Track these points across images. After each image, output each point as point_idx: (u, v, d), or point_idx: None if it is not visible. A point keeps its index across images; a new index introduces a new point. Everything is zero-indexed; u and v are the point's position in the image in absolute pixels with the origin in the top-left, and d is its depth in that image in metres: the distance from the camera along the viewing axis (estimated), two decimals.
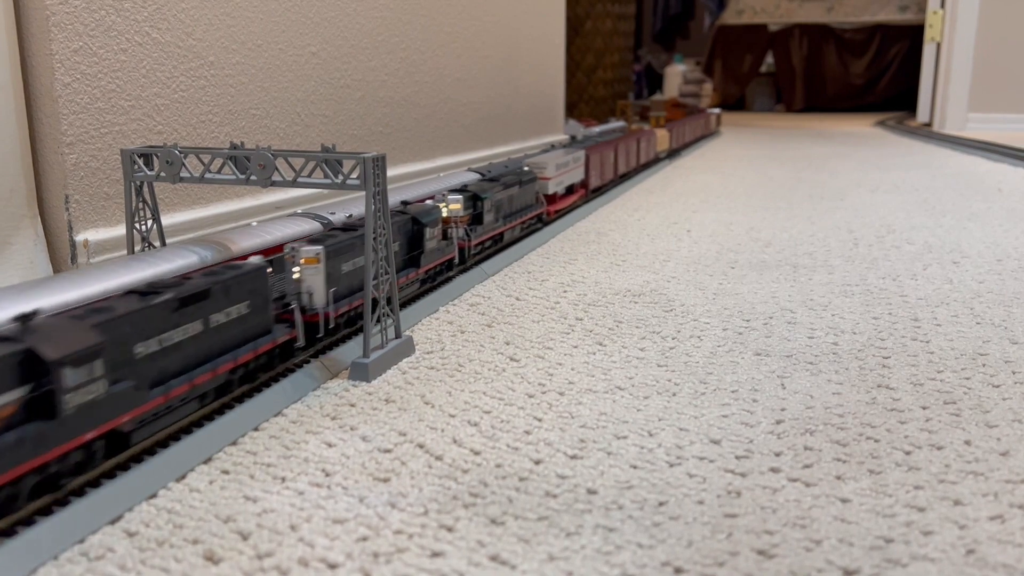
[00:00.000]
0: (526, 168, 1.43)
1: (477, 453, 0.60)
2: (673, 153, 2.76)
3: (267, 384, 0.70)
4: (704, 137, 3.61)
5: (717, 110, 4.33)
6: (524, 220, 1.32)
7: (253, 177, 0.74)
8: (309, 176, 0.74)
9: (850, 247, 1.34)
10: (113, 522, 0.51)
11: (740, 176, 2.32)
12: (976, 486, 0.55)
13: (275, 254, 0.80)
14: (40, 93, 0.91)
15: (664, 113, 3.88)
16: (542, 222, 1.44)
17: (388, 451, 0.60)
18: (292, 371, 0.73)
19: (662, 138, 2.56)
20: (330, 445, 0.61)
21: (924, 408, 0.68)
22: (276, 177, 0.74)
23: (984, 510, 0.52)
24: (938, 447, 0.61)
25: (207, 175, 0.75)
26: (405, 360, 0.80)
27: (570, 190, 1.63)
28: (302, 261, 0.76)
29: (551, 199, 1.49)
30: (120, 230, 0.98)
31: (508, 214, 1.26)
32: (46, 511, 0.49)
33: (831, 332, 0.89)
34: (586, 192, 1.73)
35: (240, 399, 0.66)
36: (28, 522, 0.48)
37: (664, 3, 8.01)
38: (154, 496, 0.54)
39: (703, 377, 0.76)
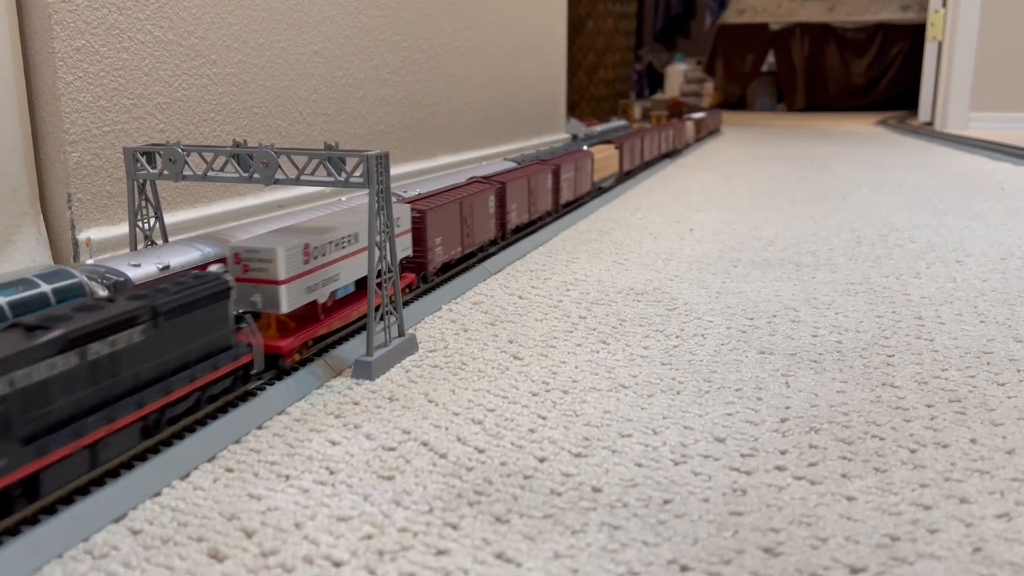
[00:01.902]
0: (214, 268, 0.74)
1: (481, 451, 0.60)
2: (625, 177, 2.07)
3: (270, 382, 0.70)
4: (676, 152, 2.82)
5: (700, 114, 3.61)
6: (161, 404, 0.58)
7: (256, 175, 0.74)
8: (312, 174, 0.74)
9: (853, 246, 1.33)
10: (117, 520, 0.51)
11: (742, 175, 2.32)
12: (982, 484, 0.55)
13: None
14: (42, 91, 0.91)
15: (666, 112, 3.88)
16: (246, 379, 0.68)
17: (392, 449, 0.60)
18: (295, 369, 0.73)
19: (604, 161, 1.84)
20: (334, 443, 0.61)
21: (929, 406, 0.68)
22: (279, 175, 0.73)
23: (990, 508, 0.52)
24: (943, 445, 0.61)
25: (210, 173, 0.75)
26: (408, 358, 0.80)
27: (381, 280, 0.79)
28: None
29: (304, 320, 0.76)
30: (123, 228, 0.98)
31: (83, 410, 0.52)
32: (50, 510, 0.49)
33: (835, 330, 0.88)
34: (419, 280, 0.98)
35: (243, 397, 0.66)
36: (32, 520, 0.48)
37: (665, 2, 8.01)
38: (158, 494, 0.54)
39: (707, 375, 0.76)
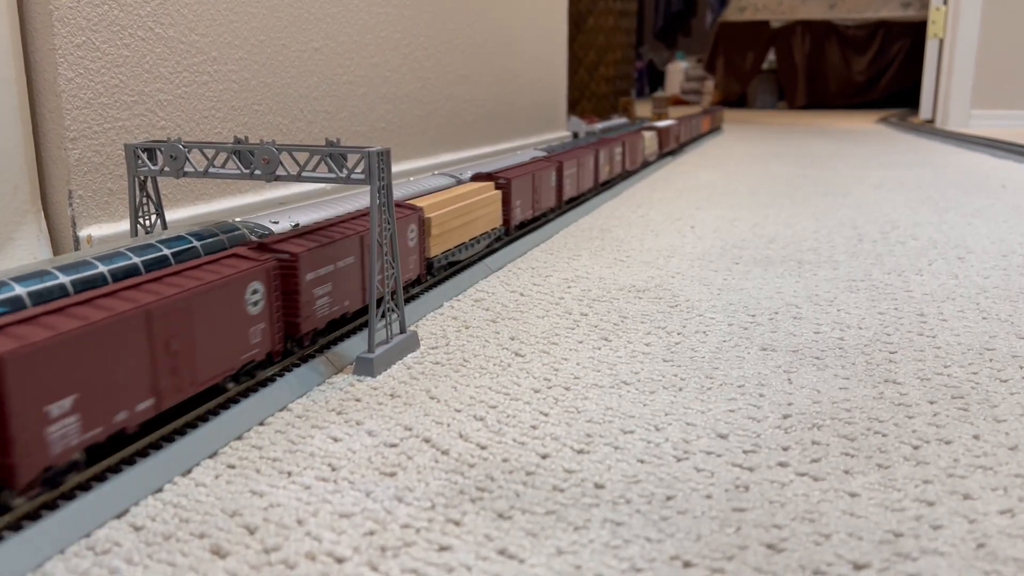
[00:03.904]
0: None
1: (483, 448, 0.60)
2: (518, 230, 1.30)
3: (271, 379, 0.70)
4: (627, 176, 2.05)
5: (668, 121, 2.76)
6: None
7: (257, 172, 0.73)
8: (313, 171, 0.74)
9: (854, 243, 1.33)
10: (119, 516, 0.51)
11: (743, 173, 2.32)
12: (985, 480, 0.55)
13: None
14: (43, 88, 0.91)
15: (667, 109, 3.87)
16: None
17: (394, 446, 0.60)
18: (297, 365, 0.73)
19: (466, 215, 1.07)
20: (336, 440, 0.61)
21: (932, 403, 0.68)
22: (280, 172, 0.73)
23: (994, 504, 0.52)
24: (946, 441, 0.61)
25: (211, 170, 0.75)
26: (410, 355, 0.80)
27: None
28: None
29: None
30: (124, 225, 0.98)
31: None
32: (52, 505, 0.49)
33: (837, 327, 0.88)
34: None
35: (245, 393, 0.66)
36: (34, 516, 0.48)
37: (666, 0, 8.01)
38: (160, 491, 0.54)
39: (709, 372, 0.75)
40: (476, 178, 1.23)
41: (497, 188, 1.22)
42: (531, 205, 1.34)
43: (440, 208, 1.01)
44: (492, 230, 1.17)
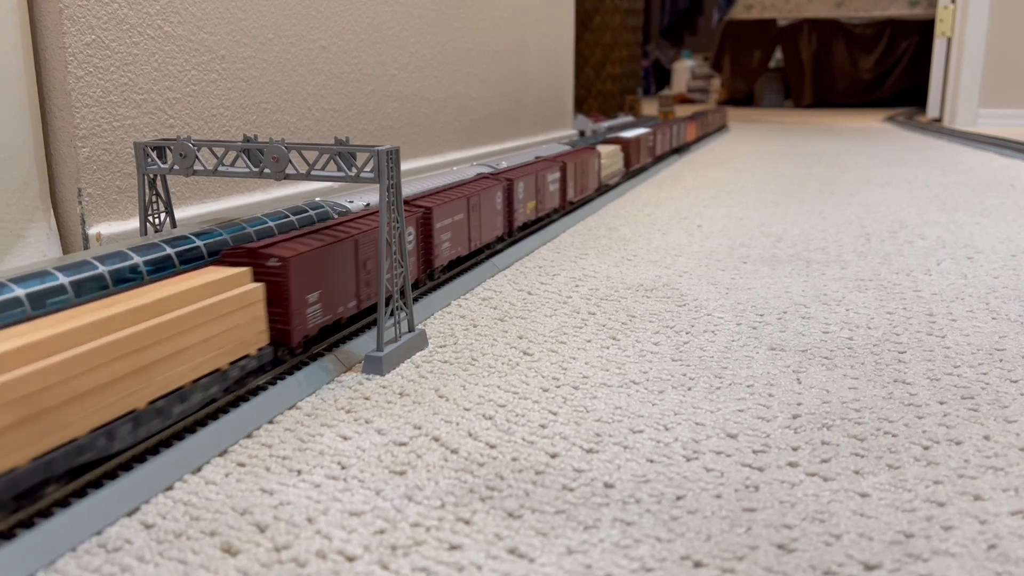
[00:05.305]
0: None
1: (493, 446, 0.60)
2: (263, 369, 0.67)
3: (281, 377, 0.70)
4: (564, 212, 1.48)
5: (638, 131, 2.11)
6: None
7: (267, 170, 0.74)
8: (322, 169, 0.74)
9: (862, 242, 1.33)
10: (130, 514, 0.51)
11: (749, 172, 2.32)
12: (996, 481, 0.55)
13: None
14: (53, 86, 0.91)
15: (672, 108, 3.85)
16: None
17: (403, 444, 0.60)
18: (306, 364, 0.73)
19: (77, 386, 0.46)
20: (345, 438, 0.61)
21: (941, 403, 0.68)
22: (289, 170, 0.73)
23: (1005, 505, 0.52)
24: (957, 442, 0.61)
25: (220, 168, 0.75)
26: (418, 354, 0.80)
27: None
28: None
29: None
30: (133, 223, 0.98)
31: None
32: (63, 502, 0.49)
33: (846, 327, 0.88)
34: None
35: (254, 392, 0.66)
36: (46, 513, 0.48)
37: None
38: (170, 488, 0.54)
39: (718, 371, 0.75)
40: (225, 259, 0.69)
41: (260, 278, 0.67)
42: (355, 292, 0.78)
43: (44, 350, 0.47)
44: (239, 361, 0.64)
